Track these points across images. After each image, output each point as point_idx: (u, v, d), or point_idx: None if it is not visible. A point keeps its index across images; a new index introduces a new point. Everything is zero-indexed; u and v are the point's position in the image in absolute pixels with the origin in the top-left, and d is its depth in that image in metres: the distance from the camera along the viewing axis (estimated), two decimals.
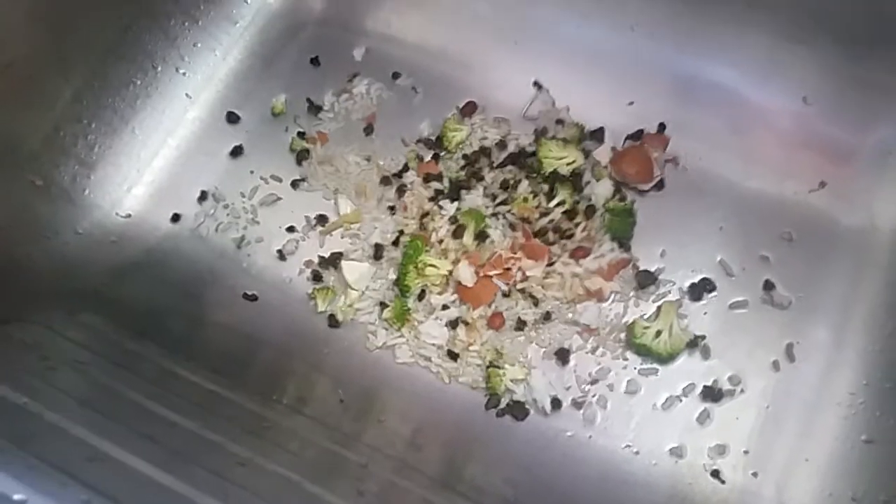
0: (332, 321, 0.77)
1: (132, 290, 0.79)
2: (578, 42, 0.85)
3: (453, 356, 0.74)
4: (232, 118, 0.88)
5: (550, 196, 0.79)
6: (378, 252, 0.79)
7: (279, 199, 0.84)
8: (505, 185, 0.81)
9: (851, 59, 0.77)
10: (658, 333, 0.72)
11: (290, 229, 0.82)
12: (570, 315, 0.75)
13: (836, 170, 0.78)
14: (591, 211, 0.78)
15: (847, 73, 0.77)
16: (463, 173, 0.82)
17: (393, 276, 0.78)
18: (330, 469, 0.63)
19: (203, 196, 0.84)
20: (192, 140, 0.88)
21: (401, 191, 0.82)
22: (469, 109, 0.86)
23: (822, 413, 0.69)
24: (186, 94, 0.89)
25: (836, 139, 0.79)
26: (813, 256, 0.76)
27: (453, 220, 0.78)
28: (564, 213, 0.78)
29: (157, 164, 0.86)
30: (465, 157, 0.83)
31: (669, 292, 0.76)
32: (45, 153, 0.79)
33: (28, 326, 0.66)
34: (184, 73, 0.89)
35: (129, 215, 0.84)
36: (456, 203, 0.80)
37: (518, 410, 0.71)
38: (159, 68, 0.87)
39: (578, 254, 0.77)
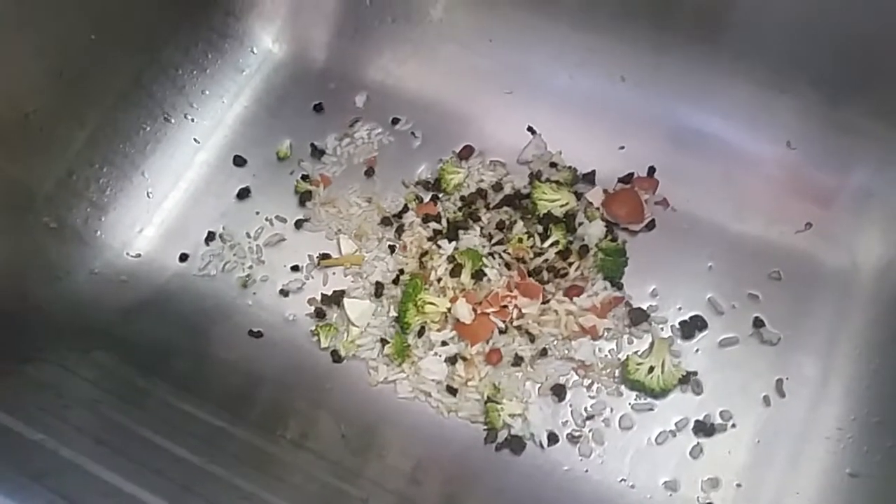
0: (335, 356, 0.79)
1: (141, 328, 0.81)
2: (571, 90, 0.89)
3: (452, 391, 0.76)
4: (239, 162, 0.92)
5: (545, 236, 0.82)
6: (379, 290, 0.82)
7: (284, 239, 0.86)
8: (501, 226, 0.83)
9: (831, 104, 0.80)
10: (651, 369, 0.74)
11: (295, 268, 0.85)
12: (565, 351, 0.77)
13: (820, 211, 0.81)
14: (584, 251, 0.81)
15: (828, 118, 0.80)
16: (460, 214, 0.85)
17: (393, 314, 0.80)
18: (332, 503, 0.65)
19: (210, 237, 0.87)
20: (200, 183, 0.90)
21: (400, 231, 0.85)
22: (466, 153, 0.89)
23: (812, 447, 0.71)
24: (195, 139, 0.92)
25: (820, 182, 0.82)
26: (800, 295, 0.78)
27: (451, 259, 0.81)
28: (558, 252, 0.81)
29: (166, 206, 0.89)
30: (462, 198, 0.86)
31: (662, 329, 0.78)
32: (58, 196, 0.82)
33: (43, 366, 0.68)
34: (192, 119, 0.92)
35: (139, 255, 0.86)
36: (454, 243, 0.82)
37: (516, 445, 0.73)
38: (169, 115, 0.91)
39: (572, 292, 0.79)
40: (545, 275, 0.80)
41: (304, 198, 0.88)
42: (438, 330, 0.79)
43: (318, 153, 0.91)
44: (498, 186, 0.86)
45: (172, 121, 0.90)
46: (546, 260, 0.81)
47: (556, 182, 0.85)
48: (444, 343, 0.78)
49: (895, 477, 0.66)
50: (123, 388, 0.71)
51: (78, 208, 0.83)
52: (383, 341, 0.79)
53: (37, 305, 0.76)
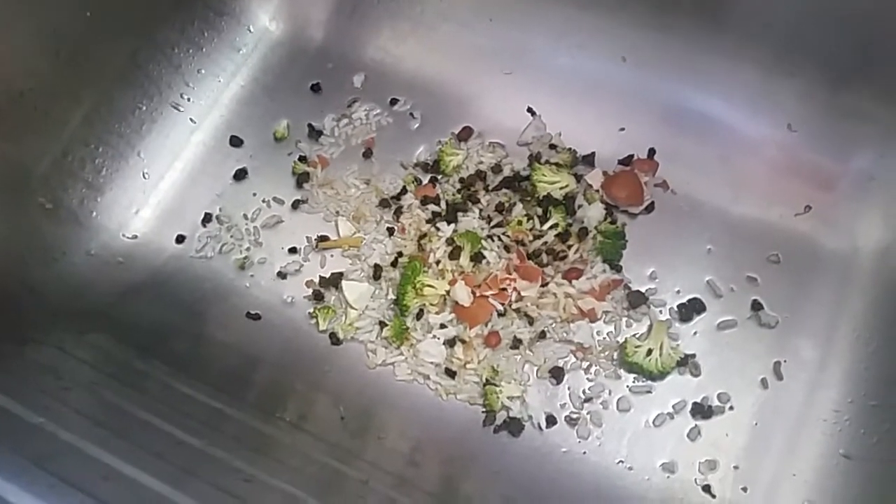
0: (334, 339, 0.79)
1: (138, 310, 0.80)
2: (572, 71, 0.88)
3: (451, 374, 0.76)
4: (235, 142, 0.91)
5: (544, 219, 0.81)
6: (377, 272, 0.81)
7: (281, 221, 0.86)
8: (500, 208, 0.83)
9: (834, 88, 0.79)
10: (649, 352, 0.74)
11: (292, 250, 0.84)
12: (564, 334, 0.77)
13: (820, 195, 0.81)
14: (583, 233, 0.81)
15: (830, 102, 0.80)
16: (459, 196, 0.85)
17: (392, 296, 0.80)
18: (331, 485, 0.65)
19: (207, 218, 0.87)
20: (196, 163, 0.90)
21: (399, 213, 0.85)
22: (465, 134, 0.89)
23: (809, 429, 0.71)
24: (191, 119, 0.91)
25: (820, 165, 0.82)
26: (799, 278, 0.78)
27: (450, 241, 0.81)
28: (557, 235, 0.81)
29: (162, 187, 0.88)
30: (461, 180, 0.86)
31: (660, 312, 0.78)
32: (54, 177, 0.81)
33: (42, 348, 0.68)
34: (188, 99, 0.91)
35: (136, 236, 0.86)
36: (453, 225, 0.82)
37: (514, 427, 0.74)
38: (164, 94, 0.90)
39: (571, 275, 0.79)
40: (544, 257, 0.80)
41: (301, 179, 0.88)
42: (437, 312, 0.79)
43: (315, 134, 0.90)
44: (497, 168, 0.86)
45: (167, 99, 0.89)
46: (545, 242, 0.81)
47: (556, 164, 0.84)
48: (442, 326, 0.78)
49: (891, 460, 0.66)
50: (121, 369, 0.71)
51: (74, 189, 0.83)
52: (382, 324, 0.79)
53: (33, 287, 0.76)
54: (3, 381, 0.58)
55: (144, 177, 0.88)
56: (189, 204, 0.88)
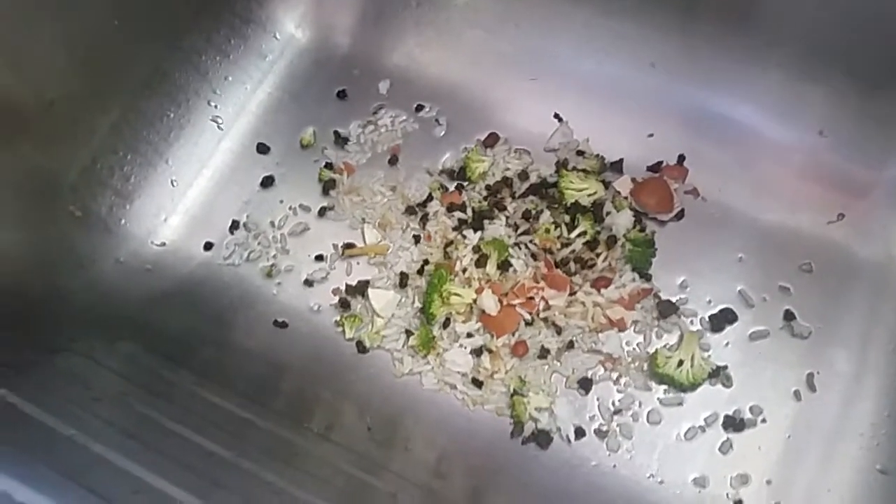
0: (360, 347, 0.79)
1: (166, 317, 0.81)
2: (598, 76, 0.87)
3: (478, 383, 0.76)
4: (262, 149, 0.91)
5: (572, 226, 0.81)
6: (403, 280, 0.81)
7: (308, 228, 0.86)
8: (527, 216, 0.82)
9: (866, 95, 0.78)
10: (680, 363, 0.73)
11: (319, 258, 0.84)
12: (592, 344, 0.76)
13: (853, 202, 0.79)
14: (611, 241, 0.80)
15: (862, 108, 0.78)
16: (486, 203, 0.84)
17: (418, 304, 0.79)
18: (360, 498, 0.65)
19: (234, 225, 0.87)
20: (224, 171, 0.90)
21: (425, 220, 0.84)
22: (491, 141, 0.88)
23: (844, 443, 0.70)
24: (219, 126, 0.91)
25: (853, 173, 0.80)
26: (832, 287, 0.77)
27: (476, 249, 0.80)
28: (585, 243, 0.80)
29: (190, 195, 0.89)
30: (487, 187, 0.85)
31: (691, 322, 0.77)
32: (83, 185, 0.82)
33: (72, 357, 0.69)
34: (215, 106, 0.92)
35: (164, 244, 0.86)
36: (479, 233, 0.81)
37: (542, 439, 0.73)
38: (192, 101, 0.90)
39: (600, 283, 0.78)
40: (572, 266, 0.79)
41: (327, 186, 0.88)
42: (464, 321, 0.78)
43: (341, 141, 0.90)
44: (524, 175, 0.85)
45: (195, 106, 0.90)
46: (573, 251, 0.80)
47: (584, 170, 0.83)
48: (469, 335, 0.78)
49: None
50: (150, 379, 0.71)
51: (103, 196, 0.83)
52: (408, 332, 0.79)
53: (63, 295, 0.77)
54: (35, 392, 0.58)
55: (172, 184, 0.88)
56: (217, 211, 0.88)
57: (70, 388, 0.63)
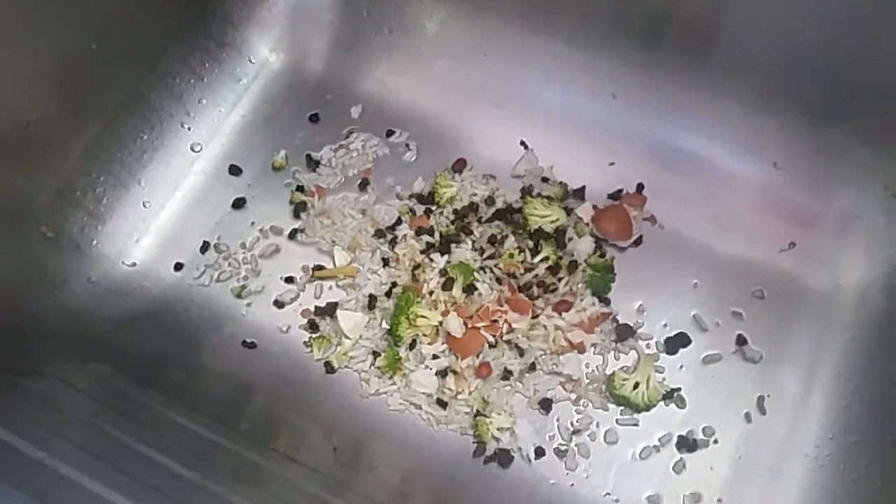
0: (329, 367, 0.80)
1: (136, 338, 0.81)
2: (562, 107, 0.91)
3: (442, 404, 0.78)
4: (234, 171, 0.92)
5: (535, 252, 0.83)
6: (372, 302, 0.83)
7: (278, 250, 0.88)
8: (492, 240, 0.85)
9: (818, 128, 0.81)
10: (636, 385, 0.76)
11: (289, 279, 0.86)
12: (553, 366, 0.79)
13: (804, 232, 0.83)
14: (573, 266, 0.83)
15: (814, 141, 0.82)
16: (453, 227, 0.86)
17: (386, 326, 0.81)
18: None
19: (205, 246, 0.88)
20: (196, 192, 0.91)
21: (394, 243, 0.86)
22: (459, 166, 0.91)
23: (791, 464, 0.73)
24: (192, 149, 0.93)
25: (804, 203, 0.84)
26: (783, 313, 0.80)
27: (443, 272, 0.82)
28: (548, 268, 0.82)
29: (162, 216, 0.89)
30: (455, 212, 0.88)
31: (647, 345, 0.80)
32: (56, 206, 0.82)
33: (42, 379, 0.69)
34: (189, 128, 0.93)
35: (135, 264, 0.87)
36: (446, 256, 0.84)
37: (503, 458, 0.75)
38: (165, 123, 0.91)
39: (561, 307, 0.81)
40: (535, 290, 0.82)
41: (299, 208, 0.89)
42: (430, 343, 0.80)
43: (313, 164, 0.92)
44: (490, 200, 0.88)
45: (168, 128, 0.91)
46: (536, 275, 0.82)
47: (548, 197, 0.86)
48: (434, 356, 0.80)
49: (870, 497, 0.68)
50: (119, 400, 0.72)
51: (75, 217, 0.84)
52: (375, 353, 0.80)
53: (34, 316, 0.77)
54: (5, 415, 0.59)
55: (145, 206, 0.89)
56: (188, 232, 0.89)
57: (40, 411, 0.64)
